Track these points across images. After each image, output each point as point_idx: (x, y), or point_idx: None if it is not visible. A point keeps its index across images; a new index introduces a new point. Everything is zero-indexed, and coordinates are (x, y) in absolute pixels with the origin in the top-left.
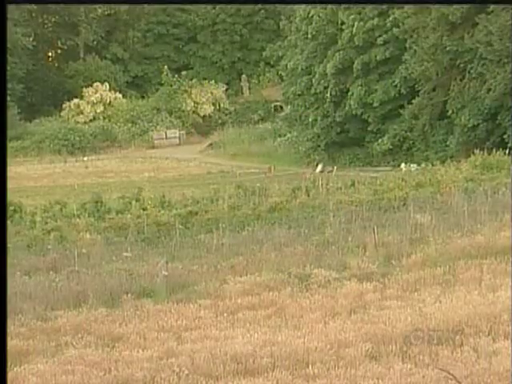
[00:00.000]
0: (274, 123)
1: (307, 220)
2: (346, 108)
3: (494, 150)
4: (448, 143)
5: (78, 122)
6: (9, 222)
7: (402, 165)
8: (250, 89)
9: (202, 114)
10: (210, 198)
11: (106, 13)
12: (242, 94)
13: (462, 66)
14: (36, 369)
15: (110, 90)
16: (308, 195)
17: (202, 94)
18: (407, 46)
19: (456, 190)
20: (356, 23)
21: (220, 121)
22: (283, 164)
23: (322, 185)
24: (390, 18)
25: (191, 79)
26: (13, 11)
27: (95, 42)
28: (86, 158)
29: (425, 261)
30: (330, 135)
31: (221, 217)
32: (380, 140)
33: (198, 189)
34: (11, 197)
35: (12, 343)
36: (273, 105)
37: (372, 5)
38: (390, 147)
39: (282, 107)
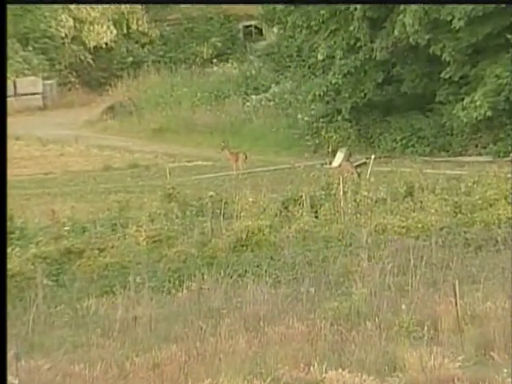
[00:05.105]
0: (243, 64)
1: (314, 267)
2: (396, 32)
3: None
4: None
5: None
6: None
7: None
8: None
9: (91, 45)
10: (110, 222)
11: None
12: None
13: None
14: None
15: None
16: (316, 215)
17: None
18: None
19: None
20: None
21: (131, 59)
22: (264, 149)
23: (344, 193)
24: None
25: None
26: None
27: None
28: None
29: None
30: (360, 89)
31: (132, 261)
32: (467, 100)
33: (83, 201)
34: None
35: None
36: (241, 25)
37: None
38: (489, 114)
39: (260, 30)
